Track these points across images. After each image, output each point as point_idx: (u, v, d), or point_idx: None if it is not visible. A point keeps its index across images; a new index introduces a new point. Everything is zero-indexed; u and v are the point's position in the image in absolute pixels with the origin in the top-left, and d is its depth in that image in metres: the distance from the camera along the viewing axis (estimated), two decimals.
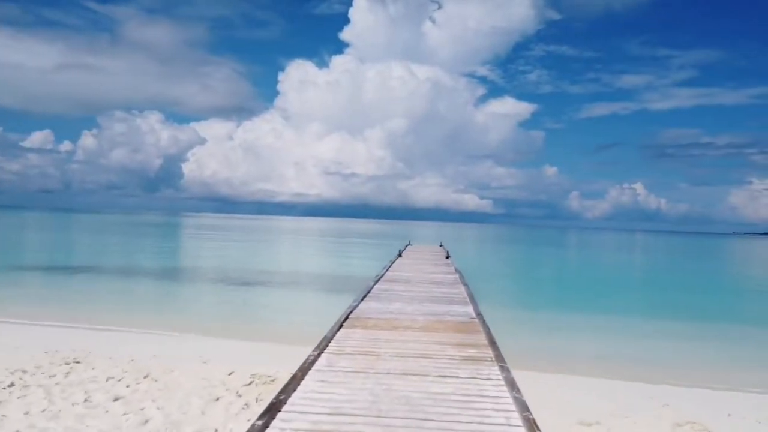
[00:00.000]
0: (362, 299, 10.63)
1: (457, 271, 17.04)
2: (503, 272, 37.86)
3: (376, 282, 13.24)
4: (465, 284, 13.37)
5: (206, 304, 18.77)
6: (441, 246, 33.36)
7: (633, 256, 64.78)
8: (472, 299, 10.88)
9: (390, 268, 17.19)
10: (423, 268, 18.07)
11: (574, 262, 51.68)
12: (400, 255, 23.34)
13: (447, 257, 23.23)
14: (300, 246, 57.45)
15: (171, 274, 26.67)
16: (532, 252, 64.55)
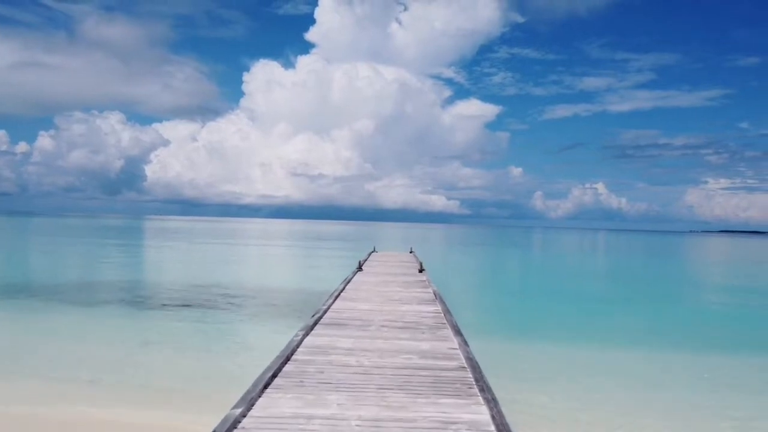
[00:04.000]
0: (266, 384, 5.39)
1: (437, 296, 11.92)
2: (481, 282, 33.05)
3: (310, 330, 7.98)
4: (457, 330, 8.19)
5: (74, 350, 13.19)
6: (411, 252, 28.31)
7: (617, 258, 61.01)
8: (481, 379, 5.70)
9: (341, 294, 11.96)
10: (389, 291, 12.90)
11: (555, 267, 47.34)
12: (360, 268, 18.14)
13: (420, 270, 18.16)
14: (250, 255, 51.74)
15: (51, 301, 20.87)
16: (508, 256, 60.21)
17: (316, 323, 8.49)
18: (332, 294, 11.69)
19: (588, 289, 30.06)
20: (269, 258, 45.63)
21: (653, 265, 52.67)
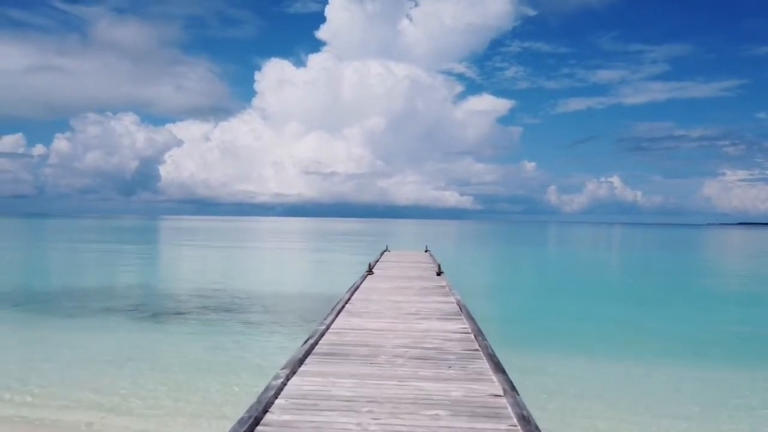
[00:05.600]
0: None
1: (462, 308, 9.83)
2: (503, 285, 30.87)
3: (298, 365, 5.91)
4: (496, 364, 6.07)
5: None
6: (427, 251, 26.18)
7: (642, 254, 58.37)
8: None
9: (346, 306, 9.90)
10: (404, 302, 10.82)
11: (580, 265, 44.92)
12: (370, 271, 16.10)
13: (438, 273, 16.05)
14: (262, 257, 49.95)
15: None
16: (528, 254, 57.87)
17: (307, 354, 6.42)
18: (334, 307, 9.62)
19: (619, 289, 27.80)
20: (281, 259, 43.75)
21: (680, 260, 50.22)
